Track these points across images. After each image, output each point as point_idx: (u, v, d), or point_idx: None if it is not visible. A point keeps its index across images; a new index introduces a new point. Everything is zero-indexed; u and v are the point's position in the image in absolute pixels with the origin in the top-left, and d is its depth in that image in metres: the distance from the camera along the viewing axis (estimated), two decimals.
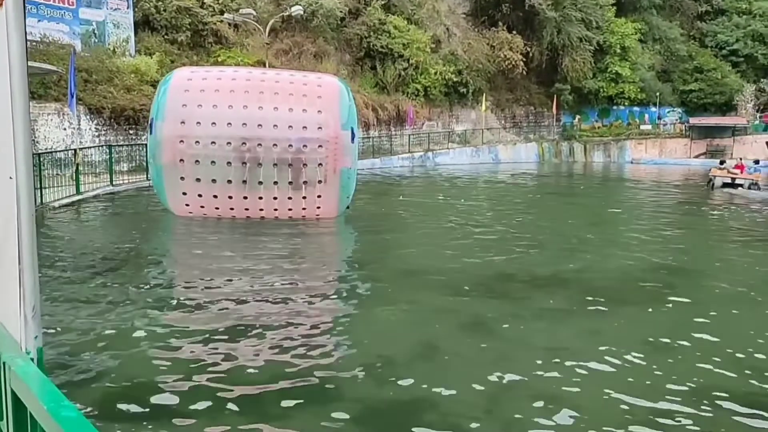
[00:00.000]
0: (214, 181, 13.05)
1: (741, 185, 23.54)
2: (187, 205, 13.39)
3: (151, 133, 13.29)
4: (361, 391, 5.27)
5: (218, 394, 5.08)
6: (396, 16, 38.57)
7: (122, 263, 9.77)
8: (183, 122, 12.84)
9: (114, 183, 19.17)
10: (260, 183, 13.21)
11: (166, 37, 29.73)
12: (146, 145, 22.30)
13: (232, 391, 5.15)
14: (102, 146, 21.58)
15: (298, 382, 5.38)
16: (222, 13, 30.70)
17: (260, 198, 13.32)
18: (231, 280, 8.85)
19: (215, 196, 13.19)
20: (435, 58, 39.61)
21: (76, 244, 11.42)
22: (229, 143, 12.92)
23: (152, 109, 13.35)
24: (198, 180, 13.03)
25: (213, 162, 12.94)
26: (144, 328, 6.66)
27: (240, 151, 12.98)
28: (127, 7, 28.12)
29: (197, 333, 6.56)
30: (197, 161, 12.90)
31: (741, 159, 27.89)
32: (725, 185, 23.89)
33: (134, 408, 4.83)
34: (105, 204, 16.78)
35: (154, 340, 6.34)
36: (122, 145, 23.16)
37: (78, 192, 16.72)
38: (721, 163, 27.60)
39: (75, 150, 17.70)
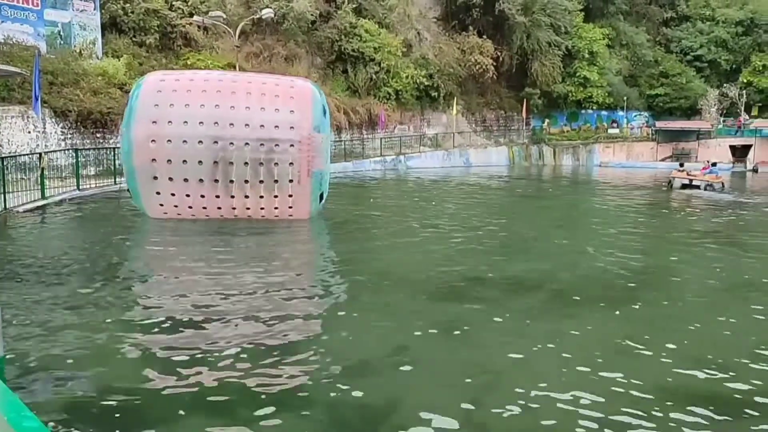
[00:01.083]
0: (186, 180, 13.00)
1: (698, 186, 25.29)
2: (161, 205, 13.34)
3: (123, 135, 13.20)
4: (334, 396, 5.23)
5: (186, 401, 5.01)
6: (367, 19, 38.62)
7: (89, 269, 9.57)
8: (155, 122, 12.79)
9: (81, 187, 18.80)
10: (231, 182, 13.17)
11: (133, 39, 29.32)
12: (114, 148, 22.13)
13: (202, 399, 5.09)
14: (68, 150, 21.17)
15: (271, 388, 5.32)
16: (191, 15, 30.38)
17: (232, 197, 13.28)
18: (201, 286, 8.75)
19: (188, 195, 13.14)
20: (406, 62, 39.75)
21: (40, 250, 11.16)
22: (200, 142, 12.89)
23: (125, 112, 13.25)
24: (171, 179, 12.98)
25: (185, 161, 12.88)
26: (110, 335, 6.53)
27: (212, 149, 12.94)
28: (94, 9, 27.68)
29: (165, 339, 6.46)
30: (169, 161, 12.85)
31: (708, 161, 30.26)
32: (684, 186, 25.79)
33: (99, 418, 4.73)
34: (71, 209, 16.44)
35: (120, 348, 6.21)
36: (89, 149, 22.75)
37: (43, 197, 16.38)
38: (681, 165, 30.20)
39: (40, 154, 17.31)
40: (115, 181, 20.37)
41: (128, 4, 28.90)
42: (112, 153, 21.81)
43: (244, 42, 32.21)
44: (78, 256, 10.59)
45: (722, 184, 26.27)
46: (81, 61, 25.63)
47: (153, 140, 12.75)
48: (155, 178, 12.97)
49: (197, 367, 5.69)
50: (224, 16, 28.91)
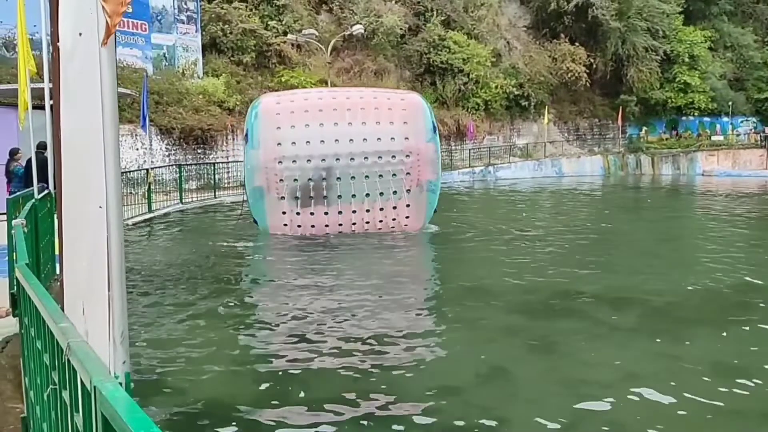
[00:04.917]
0: (311, 197, 13.51)
1: None
2: (285, 225, 13.75)
3: (246, 156, 13.80)
4: (427, 414, 5.20)
5: (290, 419, 5.13)
6: (456, 31, 38.58)
7: (200, 280, 10.01)
8: (279, 144, 13.35)
9: (183, 201, 19.79)
10: (354, 196, 13.62)
11: (231, 58, 30.63)
12: (214, 163, 23.22)
13: (304, 411, 5.20)
14: (172, 165, 22.36)
15: (362, 404, 5.35)
16: (285, 34, 31.42)
17: (354, 211, 13.74)
18: (305, 298, 8.96)
19: (312, 214, 13.61)
20: (495, 72, 39.33)
21: (151, 262, 11.79)
22: (323, 159, 13.40)
23: (246, 134, 13.81)
24: (296, 198, 13.51)
25: (310, 179, 13.42)
26: (227, 348, 6.77)
27: (334, 166, 13.45)
28: (196, 31, 29.16)
29: (274, 352, 6.64)
30: (295, 180, 13.38)
31: None
32: None
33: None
34: (176, 221, 17.31)
35: (237, 360, 6.42)
36: (191, 164, 23.94)
37: (150, 210, 17.34)
38: None
39: (147, 169, 18.39)
40: (215, 195, 21.31)
41: (227, 26, 30.24)
42: (212, 168, 22.85)
43: (335, 58, 32.96)
44: (188, 266, 11.10)
45: None
46: (183, 80, 27.07)
47: (279, 161, 13.32)
48: (282, 198, 13.48)
49: (297, 380, 5.82)
50: (316, 34, 29.72)
